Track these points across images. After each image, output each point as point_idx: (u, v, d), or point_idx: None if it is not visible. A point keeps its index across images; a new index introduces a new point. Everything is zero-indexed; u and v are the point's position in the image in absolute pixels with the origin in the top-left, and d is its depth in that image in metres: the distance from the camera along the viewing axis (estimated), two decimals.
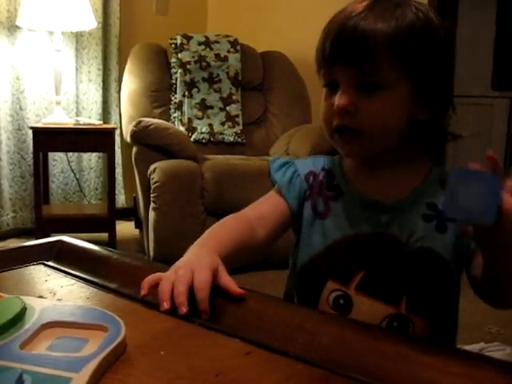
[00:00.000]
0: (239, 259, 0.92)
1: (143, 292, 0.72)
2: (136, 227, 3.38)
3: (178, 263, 0.77)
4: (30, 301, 0.67)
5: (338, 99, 0.87)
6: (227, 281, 0.74)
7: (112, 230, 3.27)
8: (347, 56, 0.86)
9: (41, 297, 0.74)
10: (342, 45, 0.87)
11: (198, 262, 0.75)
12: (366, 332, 0.64)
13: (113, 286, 0.79)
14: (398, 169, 0.94)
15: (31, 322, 0.61)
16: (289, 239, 1.04)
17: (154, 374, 0.55)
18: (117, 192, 3.71)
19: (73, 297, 0.76)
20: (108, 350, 0.55)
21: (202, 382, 0.53)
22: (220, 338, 0.64)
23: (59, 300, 0.74)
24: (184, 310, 0.68)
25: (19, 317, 0.62)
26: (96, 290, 0.79)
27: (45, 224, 3.18)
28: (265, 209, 0.99)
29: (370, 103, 0.86)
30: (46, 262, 0.90)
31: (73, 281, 0.82)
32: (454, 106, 0.94)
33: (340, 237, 0.94)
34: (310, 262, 0.97)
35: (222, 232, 0.91)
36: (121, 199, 3.90)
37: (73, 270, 0.86)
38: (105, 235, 3.24)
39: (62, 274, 0.85)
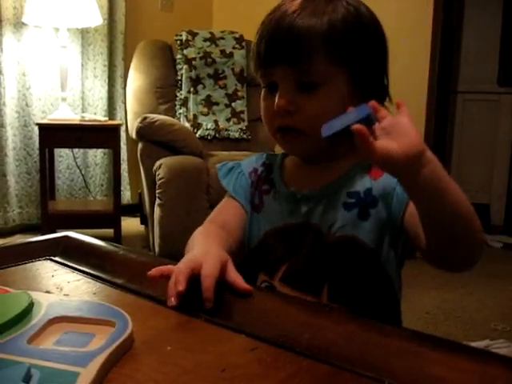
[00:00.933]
0: None
1: (152, 273, 0.73)
2: (141, 223, 3.39)
3: (186, 257, 0.77)
4: (37, 296, 0.67)
5: (278, 100, 0.87)
6: (235, 276, 0.74)
7: (117, 226, 3.28)
8: (283, 56, 0.86)
9: (48, 292, 0.75)
10: (277, 45, 0.87)
11: (207, 255, 0.75)
12: (373, 327, 0.63)
13: (119, 281, 0.79)
14: (334, 162, 0.94)
15: (38, 317, 0.61)
16: None
17: (160, 369, 0.55)
18: (122, 188, 3.71)
19: (79, 292, 0.76)
20: (115, 344, 0.55)
21: (208, 378, 0.53)
22: (226, 333, 0.64)
23: (66, 295, 0.74)
24: (180, 288, 0.68)
25: (26, 312, 0.62)
26: (103, 285, 0.79)
27: (51, 220, 3.18)
28: (225, 217, 1.00)
29: (309, 102, 0.87)
30: (52, 258, 0.90)
31: (79, 276, 0.83)
32: (390, 97, 0.95)
33: (269, 229, 0.96)
34: (246, 256, 0.99)
35: (210, 241, 0.88)
36: (126, 195, 3.91)
37: (79, 265, 0.86)
38: (110, 231, 3.25)
39: (68, 270, 0.85)
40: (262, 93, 0.93)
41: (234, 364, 0.56)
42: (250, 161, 1.06)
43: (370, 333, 0.62)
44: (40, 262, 0.89)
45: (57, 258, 0.90)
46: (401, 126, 0.70)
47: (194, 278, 0.70)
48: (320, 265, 0.90)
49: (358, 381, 0.54)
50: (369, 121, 0.69)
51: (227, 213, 1.01)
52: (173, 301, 0.69)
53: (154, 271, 0.73)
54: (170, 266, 0.74)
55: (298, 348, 0.60)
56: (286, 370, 0.56)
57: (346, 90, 0.89)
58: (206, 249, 0.79)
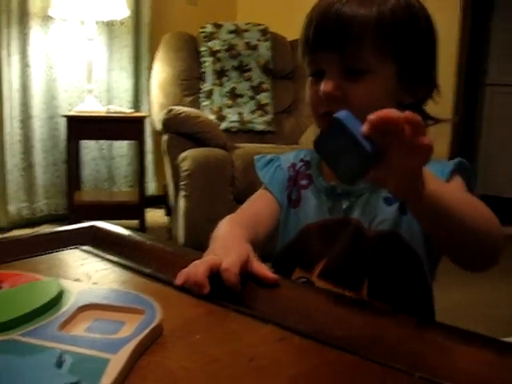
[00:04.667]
0: None
1: (178, 282, 0.73)
2: (166, 215, 3.40)
3: (207, 253, 0.78)
4: (67, 284, 0.68)
5: (324, 85, 0.86)
6: (260, 267, 0.75)
7: (142, 218, 3.31)
8: (331, 42, 0.86)
9: (77, 280, 0.75)
10: (325, 31, 0.86)
11: (227, 250, 0.76)
12: (404, 321, 0.63)
13: (147, 270, 0.80)
14: None
15: (68, 305, 0.62)
16: None
17: (189, 357, 0.55)
18: (147, 180, 3.74)
19: (108, 280, 0.77)
20: (145, 332, 0.56)
21: (237, 366, 0.54)
22: (254, 323, 0.64)
23: (95, 283, 0.75)
24: (204, 290, 0.69)
25: (57, 299, 0.63)
26: (131, 274, 0.80)
27: (76, 210, 3.22)
28: (258, 208, 1.00)
29: (355, 88, 0.86)
30: (81, 247, 0.91)
31: (108, 265, 0.83)
32: (438, 88, 0.93)
33: (307, 225, 0.95)
34: (282, 251, 0.98)
35: (234, 232, 0.88)
36: (151, 187, 3.93)
37: (108, 254, 0.87)
38: (134, 222, 3.27)
39: (97, 259, 0.86)
40: (308, 81, 0.92)
41: (262, 353, 0.57)
42: (289, 156, 1.06)
43: (401, 326, 0.62)
44: (69, 250, 0.90)
45: (85, 247, 0.91)
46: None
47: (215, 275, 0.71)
48: (360, 260, 0.89)
49: (386, 373, 0.54)
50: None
51: (259, 204, 1.01)
52: (177, 281, 0.72)
53: (179, 280, 0.73)
54: (190, 272, 0.72)
55: (325, 339, 0.60)
56: (314, 360, 0.56)
57: (392, 81, 0.88)
58: (225, 244, 0.80)
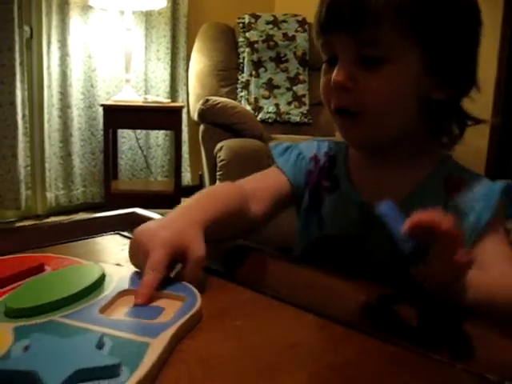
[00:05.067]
0: (227, 232, 0.79)
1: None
2: None
3: (141, 233, 0.67)
4: (108, 268, 0.68)
5: (335, 74, 0.76)
6: (186, 272, 0.65)
7: None
8: (345, 22, 0.75)
9: (118, 264, 0.76)
10: (339, 9, 0.75)
11: (156, 240, 0.64)
12: (442, 311, 0.63)
13: None
14: (404, 162, 0.83)
15: (110, 289, 0.62)
16: None
17: (230, 342, 0.55)
18: (183, 170, 3.75)
19: None
20: (184, 318, 0.56)
21: (278, 353, 0.53)
22: (294, 311, 0.63)
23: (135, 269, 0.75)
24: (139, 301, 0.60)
25: (99, 283, 0.63)
26: None
27: (113, 199, 3.25)
28: (262, 182, 0.91)
29: (371, 78, 0.75)
30: (121, 232, 0.92)
31: None
32: (478, 84, 0.80)
33: (328, 233, 0.87)
34: (303, 252, 0.91)
35: (210, 200, 0.79)
36: (186, 177, 3.95)
37: None
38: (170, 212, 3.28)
39: None
40: (322, 68, 0.83)
41: (304, 341, 0.56)
42: (310, 146, 0.96)
43: (441, 317, 0.62)
44: (109, 236, 0.91)
45: (125, 233, 0.91)
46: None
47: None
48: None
49: (428, 364, 0.53)
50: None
51: (268, 178, 0.92)
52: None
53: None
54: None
55: (366, 328, 0.59)
56: (355, 348, 0.56)
57: (418, 73, 0.76)
58: (162, 228, 0.67)
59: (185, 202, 0.77)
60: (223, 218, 0.75)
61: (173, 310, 0.58)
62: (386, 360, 0.54)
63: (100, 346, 0.49)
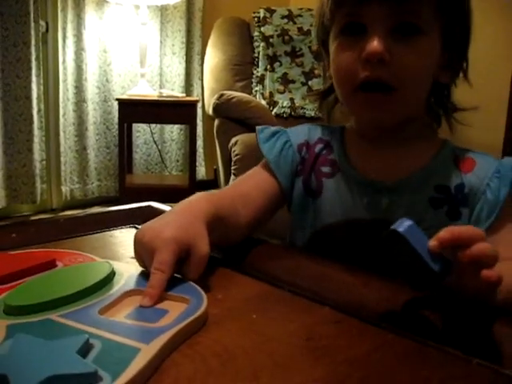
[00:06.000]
0: (226, 231, 0.76)
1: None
2: None
3: (143, 233, 0.65)
4: (119, 266, 0.67)
5: (370, 45, 0.71)
6: (190, 269, 0.64)
7: None
8: None
9: (134, 258, 0.76)
10: None
11: (160, 239, 0.62)
12: (457, 306, 0.62)
13: None
14: (409, 143, 0.82)
15: (116, 288, 0.61)
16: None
17: (245, 335, 0.55)
18: (197, 164, 3.76)
19: None
20: (183, 323, 0.54)
21: (294, 346, 0.53)
22: (310, 305, 0.63)
23: None
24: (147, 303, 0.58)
25: (105, 281, 0.62)
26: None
27: (128, 193, 3.26)
28: (249, 186, 0.85)
29: (406, 51, 0.72)
30: (136, 226, 0.92)
31: None
32: (466, 72, 0.81)
33: (331, 222, 0.83)
34: (304, 245, 0.87)
35: (210, 197, 0.75)
36: (201, 171, 3.96)
37: None
38: None
39: None
40: (338, 43, 0.77)
41: (319, 334, 0.56)
42: (299, 131, 0.91)
43: (457, 311, 0.61)
44: (125, 229, 0.91)
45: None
46: None
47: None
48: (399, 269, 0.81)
49: (443, 357, 0.53)
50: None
51: (255, 181, 0.87)
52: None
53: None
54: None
55: (382, 323, 0.59)
56: (371, 342, 0.55)
57: (439, 49, 0.76)
58: (166, 226, 0.64)
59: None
60: (224, 215, 0.73)
61: (176, 313, 0.56)
62: (402, 355, 0.54)
63: (83, 350, 0.47)
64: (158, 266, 0.60)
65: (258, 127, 0.93)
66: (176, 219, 0.66)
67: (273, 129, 0.92)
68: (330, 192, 0.85)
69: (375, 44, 0.71)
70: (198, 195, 0.74)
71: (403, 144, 0.82)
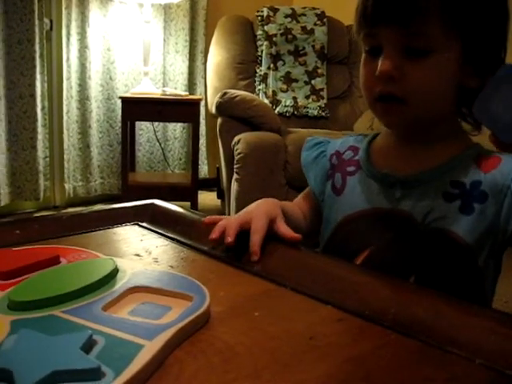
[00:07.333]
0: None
1: (206, 220, 0.84)
2: (218, 198, 3.43)
3: (240, 212, 0.84)
4: (122, 263, 0.67)
5: (382, 64, 0.79)
6: (283, 229, 0.80)
7: (194, 200, 3.34)
8: (393, 14, 0.78)
9: (137, 255, 0.76)
10: (387, 3, 0.78)
11: (257, 211, 0.82)
12: (461, 306, 0.62)
13: (205, 247, 0.80)
14: (431, 144, 0.86)
15: (119, 285, 0.61)
16: None
17: (248, 333, 0.55)
18: (200, 162, 3.76)
19: (168, 256, 0.78)
20: (186, 320, 0.54)
21: (296, 344, 0.54)
22: (313, 303, 0.64)
23: (155, 259, 0.76)
24: (229, 239, 0.76)
25: (108, 278, 0.62)
26: (190, 251, 0.80)
27: (130, 191, 3.27)
28: (298, 198, 1.01)
29: (416, 69, 0.78)
30: (140, 223, 0.92)
31: (167, 241, 0.84)
32: None
33: (350, 213, 0.90)
34: (327, 241, 0.94)
35: (269, 200, 0.89)
36: (204, 169, 3.96)
37: (166, 231, 0.88)
38: (187, 204, 3.30)
39: (156, 235, 0.87)
40: (363, 58, 0.86)
41: (322, 333, 0.56)
42: (335, 143, 1.01)
43: (459, 311, 0.60)
44: (129, 226, 0.92)
45: (144, 224, 0.92)
46: None
47: (244, 231, 0.78)
48: (408, 255, 0.84)
49: (446, 357, 0.53)
50: None
51: (303, 193, 1.02)
52: (213, 235, 0.78)
53: (207, 219, 0.84)
54: (223, 217, 0.82)
55: (384, 322, 0.59)
56: (374, 341, 0.56)
57: (457, 63, 0.80)
58: (257, 205, 0.85)
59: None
60: (289, 213, 0.90)
61: (179, 310, 0.56)
62: (404, 353, 0.54)
63: (87, 346, 0.47)
64: (256, 230, 0.78)
65: (308, 138, 1.07)
66: (260, 205, 0.85)
67: (318, 139, 1.04)
68: (351, 187, 0.92)
69: (384, 64, 0.79)
70: (264, 199, 0.89)
71: (425, 145, 0.86)
